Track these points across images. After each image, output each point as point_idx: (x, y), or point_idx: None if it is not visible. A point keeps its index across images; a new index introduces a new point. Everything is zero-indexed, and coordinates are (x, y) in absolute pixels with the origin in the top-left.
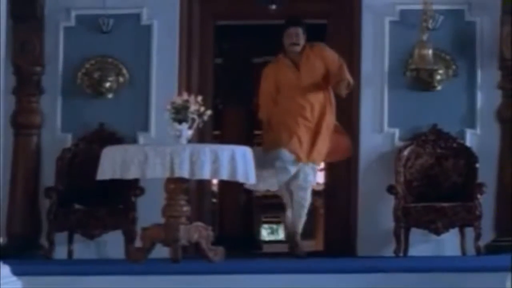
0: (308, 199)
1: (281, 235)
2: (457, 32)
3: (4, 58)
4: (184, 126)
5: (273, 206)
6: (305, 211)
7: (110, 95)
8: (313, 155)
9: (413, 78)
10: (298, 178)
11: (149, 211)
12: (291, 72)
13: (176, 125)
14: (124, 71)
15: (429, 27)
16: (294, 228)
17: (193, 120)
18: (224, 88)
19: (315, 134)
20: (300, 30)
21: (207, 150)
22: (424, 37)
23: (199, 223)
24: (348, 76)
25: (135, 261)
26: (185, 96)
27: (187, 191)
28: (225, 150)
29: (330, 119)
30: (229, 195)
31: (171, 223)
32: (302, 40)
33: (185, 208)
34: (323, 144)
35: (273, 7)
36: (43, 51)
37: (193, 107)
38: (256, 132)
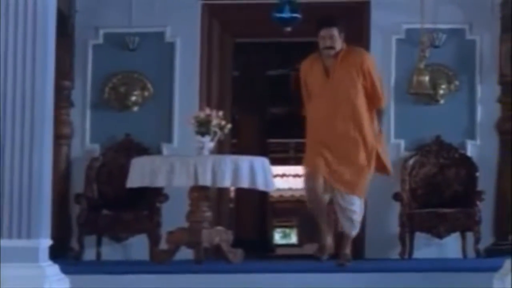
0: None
1: (293, 238)
2: (459, 50)
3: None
4: (207, 138)
5: (285, 210)
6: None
7: (135, 108)
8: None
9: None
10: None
11: (172, 216)
12: (320, 77)
13: (200, 137)
14: (149, 85)
15: (426, 56)
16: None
17: (215, 133)
18: (240, 99)
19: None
20: (335, 31)
21: (228, 160)
22: (421, 65)
23: (220, 227)
24: (381, 103)
25: (160, 262)
26: (207, 111)
27: (209, 198)
28: (245, 161)
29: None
30: (245, 201)
31: (195, 227)
32: (338, 43)
33: (207, 214)
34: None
35: (288, 29)
36: (73, 67)
37: (215, 121)
38: (270, 140)
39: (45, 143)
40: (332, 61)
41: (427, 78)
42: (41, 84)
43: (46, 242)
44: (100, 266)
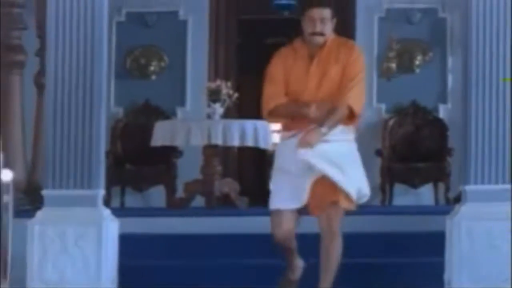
0: None
1: None
2: (432, 26)
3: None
4: (217, 105)
5: None
6: None
7: (153, 77)
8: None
9: (396, 63)
10: None
11: (186, 170)
12: (303, 67)
13: (211, 104)
14: (165, 57)
15: (393, 48)
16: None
17: (224, 100)
18: (242, 65)
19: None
20: (328, 14)
21: (236, 123)
22: (390, 54)
23: (229, 179)
24: (349, 102)
25: (177, 209)
26: (218, 82)
27: (219, 154)
28: (250, 124)
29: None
30: (247, 157)
31: (208, 178)
32: (328, 29)
33: (218, 168)
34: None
35: (286, 13)
36: None
37: (224, 91)
38: None
39: (102, 110)
40: (318, 48)
41: (394, 65)
42: (99, 61)
43: (102, 192)
44: (126, 212)
